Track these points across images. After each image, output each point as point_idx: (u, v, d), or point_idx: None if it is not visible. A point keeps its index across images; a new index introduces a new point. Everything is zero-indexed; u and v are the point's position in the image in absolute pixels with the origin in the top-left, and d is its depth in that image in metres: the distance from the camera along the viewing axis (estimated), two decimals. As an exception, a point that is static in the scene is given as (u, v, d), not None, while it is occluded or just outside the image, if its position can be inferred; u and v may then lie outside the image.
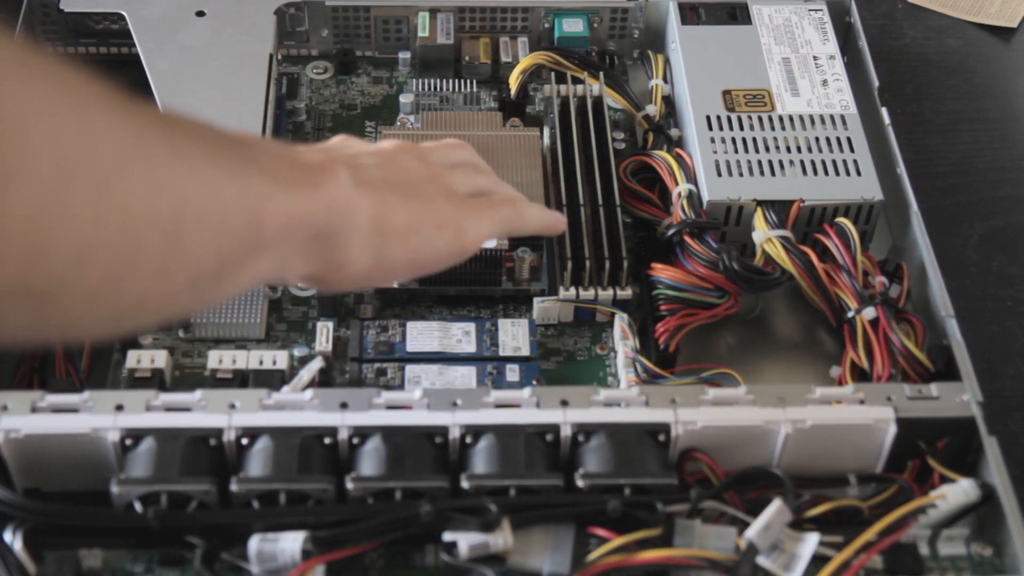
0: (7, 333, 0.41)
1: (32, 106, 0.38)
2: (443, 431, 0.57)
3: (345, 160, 0.54)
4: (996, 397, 0.68)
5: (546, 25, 0.85)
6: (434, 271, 0.59)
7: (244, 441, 0.57)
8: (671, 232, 0.69)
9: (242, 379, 0.65)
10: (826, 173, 0.72)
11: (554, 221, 0.65)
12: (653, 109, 0.79)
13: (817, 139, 0.74)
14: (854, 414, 0.59)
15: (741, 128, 0.74)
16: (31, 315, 0.40)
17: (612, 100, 0.80)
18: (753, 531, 0.54)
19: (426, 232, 0.56)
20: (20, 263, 0.38)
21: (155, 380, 0.65)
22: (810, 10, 0.82)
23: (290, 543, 0.54)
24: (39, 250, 0.38)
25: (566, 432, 0.57)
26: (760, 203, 0.70)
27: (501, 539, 0.54)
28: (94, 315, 0.42)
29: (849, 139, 0.74)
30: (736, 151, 0.73)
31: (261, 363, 0.65)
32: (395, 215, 0.54)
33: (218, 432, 0.56)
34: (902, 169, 0.73)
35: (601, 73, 0.79)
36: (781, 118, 0.75)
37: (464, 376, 0.66)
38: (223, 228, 0.45)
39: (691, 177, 0.72)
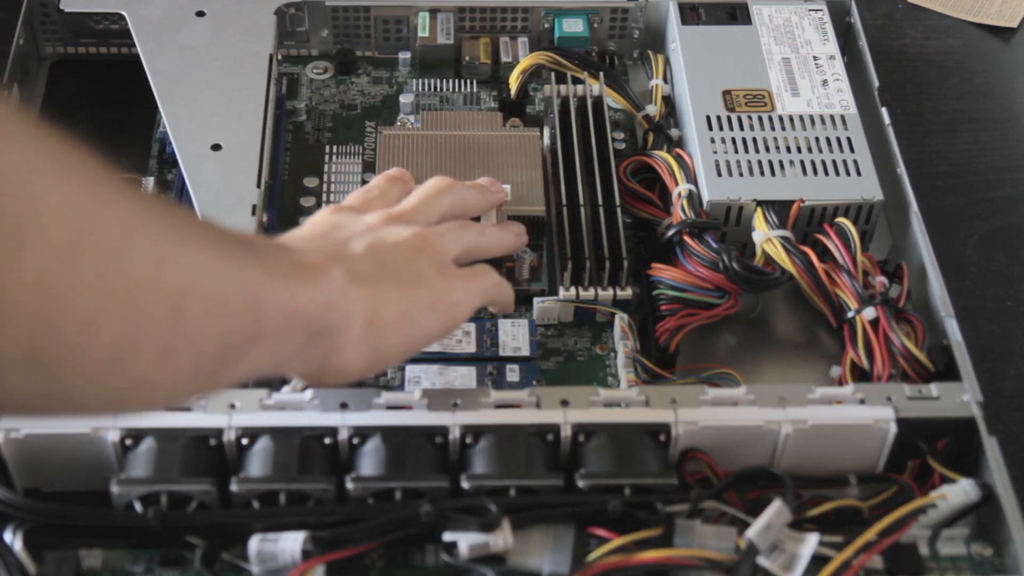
0: (9, 402, 0.41)
1: (44, 175, 0.38)
2: (443, 431, 0.57)
3: (338, 252, 0.55)
4: (996, 397, 0.68)
5: (546, 25, 0.85)
6: (427, 347, 0.61)
7: (244, 441, 0.57)
8: (671, 232, 0.69)
9: (242, 379, 0.64)
10: (826, 173, 0.72)
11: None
12: (653, 109, 0.79)
13: (817, 139, 0.74)
14: (854, 414, 0.59)
15: (741, 128, 0.74)
16: (35, 385, 0.40)
17: (612, 100, 0.80)
18: (753, 531, 0.54)
19: (419, 317, 0.56)
20: (28, 329, 0.38)
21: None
22: (810, 10, 0.82)
23: (290, 543, 0.54)
24: (47, 318, 0.38)
25: (566, 432, 0.57)
26: (760, 203, 0.70)
27: (501, 539, 0.54)
28: (97, 391, 0.43)
29: (849, 139, 0.74)
30: (736, 151, 0.73)
31: (261, 363, 0.65)
32: (389, 307, 0.55)
33: (218, 432, 0.56)
34: (902, 169, 0.73)
35: (601, 73, 0.79)
36: (781, 118, 0.75)
37: (464, 376, 0.66)
38: (225, 312, 0.46)
39: (691, 177, 0.72)
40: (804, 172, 0.72)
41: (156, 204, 0.45)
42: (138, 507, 0.55)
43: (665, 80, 0.81)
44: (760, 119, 0.75)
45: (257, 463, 0.56)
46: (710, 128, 0.74)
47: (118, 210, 0.41)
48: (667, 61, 0.82)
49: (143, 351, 0.42)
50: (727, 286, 0.68)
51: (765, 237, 0.69)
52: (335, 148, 0.79)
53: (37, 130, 0.40)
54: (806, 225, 0.71)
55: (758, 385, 0.60)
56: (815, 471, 0.59)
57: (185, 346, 0.44)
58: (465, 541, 0.54)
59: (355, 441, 0.57)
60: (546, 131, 0.78)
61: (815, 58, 0.79)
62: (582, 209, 0.71)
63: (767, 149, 0.73)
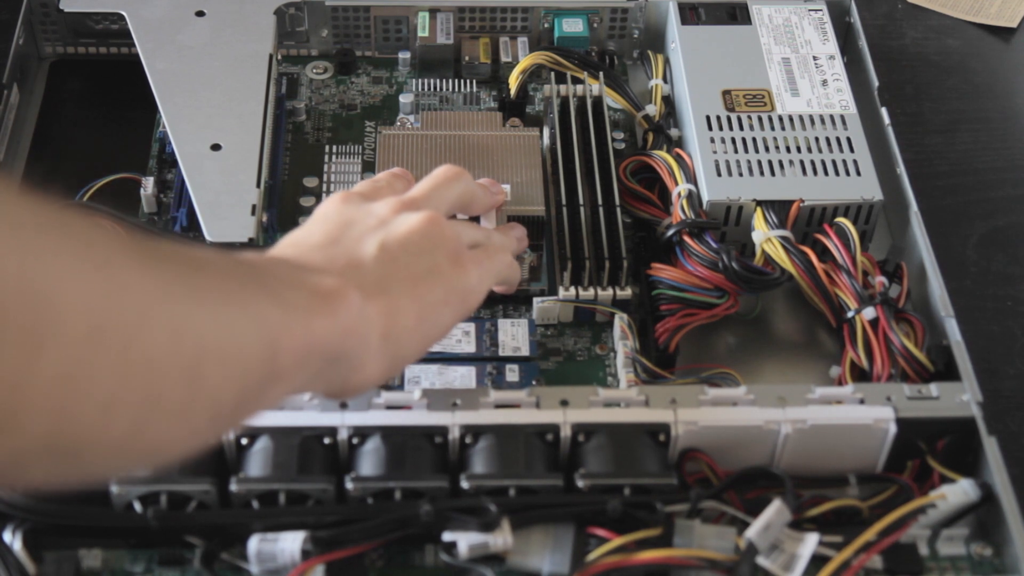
0: (29, 483, 0.42)
1: (60, 266, 0.38)
2: (443, 431, 0.57)
3: (350, 263, 0.54)
4: (996, 397, 0.68)
5: (546, 25, 0.85)
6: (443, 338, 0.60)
7: (244, 441, 0.57)
8: (671, 232, 0.69)
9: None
10: (826, 173, 0.72)
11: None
12: (653, 109, 0.79)
13: (817, 139, 0.74)
14: (854, 414, 0.59)
15: (741, 128, 0.74)
16: (55, 469, 0.40)
17: (612, 100, 0.80)
18: (753, 531, 0.54)
19: (434, 315, 0.56)
20: (47, 424, 0.38)
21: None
22: (810, 10, 0.82)
23: (290, 543, 0.54)
24: (66, 410, 0.38)
25: (566, 432, 0.57)
26: (760, 203, 0.70)
27: (501, 539, 0.54)
28: (116, 461, 0.43)
29: (849, 139, 0.74)
30: (736, 151, 0.73)
31: (261, 363, 0.64)
32: (405, 315, 0.54)
33: (218, 432, 0.56)
34: (902, 169, 0.73)
35: (601, 73, 0.79)
36: (781, 118, 0.75)
37: (464, 376, 0.66)
38: (242, 363, 0.45)
39: (691, 177, 0.72)
40: (804, 172, 0.72)
41: (171, 266, 0.43)
42: (138, 507, 0.55)
43: (665, 80, 0.81)
44: (760, 119, 0.75)
45: (257, 463, 0.56)
46: (710, 128, 0.74)
47: (133, 287, 0.40)
48: (667, 61, 0.82)
49: (161, 420, 0.42)
50: (727, 286, 0.68)
51: (765, 237, 0.69)
52: (335, 148, 0.79)
53: (39, 212, 0.39)
54: (806, 225, 0.71)
55: (758, 385, 0.60)
56: (815, 471, 0.59)
57: (203, 403, 0.43)
58: (465, 541, 0.54)
59: (355, 441, 0.57)
60: (546, 131, 0.78)
61: (815, 58, 0.79)
62: (582, 209, 0.71)
63: (767, 149, 0.73)
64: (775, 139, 0.74)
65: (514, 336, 0.68)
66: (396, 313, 0.53)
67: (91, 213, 0.68)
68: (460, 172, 0.64)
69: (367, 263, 0.55)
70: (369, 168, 0.77)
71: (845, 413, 0.59)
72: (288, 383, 0.49)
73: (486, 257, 0.60)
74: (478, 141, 0.75)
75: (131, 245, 0.42)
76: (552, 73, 0.81)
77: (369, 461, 0.56)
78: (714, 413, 0.58)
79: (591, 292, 0.69)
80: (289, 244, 0.56)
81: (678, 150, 0.75)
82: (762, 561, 0.55)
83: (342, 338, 0.51)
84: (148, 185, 0.74)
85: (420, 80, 0.83)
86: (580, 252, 0.69)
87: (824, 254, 0.69)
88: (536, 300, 0.70)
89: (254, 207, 0.70)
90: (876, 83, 0.79)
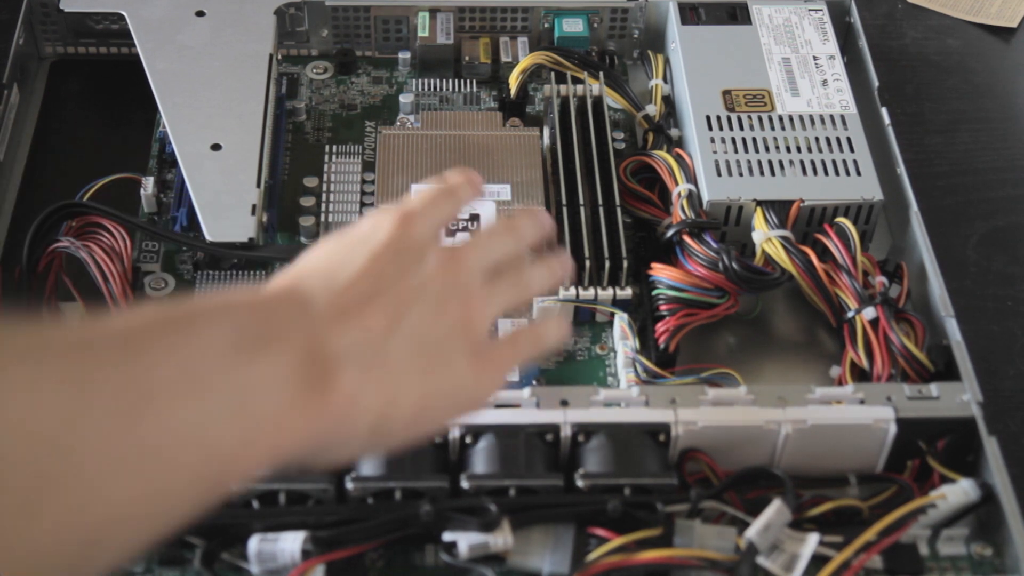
0: None
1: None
2: (443, 431, 0.57)
3: (373, 341, 0.46)
4: (996, 397, 0.68)
5: (546, 25, 0.85)
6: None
7: (244, 441, 0.57)
8: (671, 232, 0.69)
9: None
10: (826, 173, 0.72)
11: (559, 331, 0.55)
12: (653, 109, 0.79)
13: (817, 139, 0.74)
14: (854, 414, 0.59)
15: (741, 128, 0.74)
16: None
17: (612, 100, 0.80)
18: (753, 531, 0.54)
19: (435, 408, 0.48)
20: None
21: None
22: (810, 10, 0.82)
23: (290, 543, 0.54)
24: None
25: (566, 432, 0.57)
26: (760, 203, 0.70)
27: (501, 539, 0.54)
28: None
29: (849, 139, 0.74)
30: (736, 151, 0.73)
31: (261, 363, 0.64)
32: (407, 401, 0.47)
33: (218, 432, 0.56)
34: (902, 169, 0.73)
35: (601, 73, 0.79)
36: (781, 118, 0.75)
37: (464, 376, 0.66)
38: (206, 491, 0.40)
39: (691, 177, 0.72)
40: (804, 172, 0.72)
41: (106, 391, 0.37)
42: (138, 507, 0.55)
43: (665, 80, 0.81)
44: (760, 119, 0.75)
45: (257, 463, 0.56)
46: (710, 128, 0.74)
47: (47, 437, 0.34)
48: (667, 61, 0.82)
49: (99, 557, 0.37)
50: (727, 286, 0.68)
51: (765, 237, 0.69)
52: (335, 148, 0.78)
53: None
54: (806, 225, 0.71)
55: (758, 385, 0.60)
56: (815, 471, 0.59)
57: (153, 525, 0.39)
58: (465, 541, 0.54)
59: (355, 441, 0.57)
60: (546, 131, 0.78)
61: (815, 58, 0.79)
62: (582, 209, 0.71)
63: (767, 149, 0.73)
64: (775, 139, 0.74)
65: (514, 336, 0.68)
66: (398, 400, 0.46)
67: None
68: (514, 223, 0.54)
69: (392, 339, 0.47)
70: (369, 168, 0.77)
71: (845, 413, 0.59)
72: (247, 478, 0.43)
73: (503, 361, 0.52)
74: (478, 141, 0.75)
75: (64, 363, 0.36)
76: (552, 73, 0.81)
77: (369, 461, 0.56)
78: (714, 413, 0.58)
79: (591, 292, 0.69)
80: (319, 274, 0.47)
81: (678, 150, 0.75)
82: (762, 561, 0.55)
83: (328, 434, 0.44)
84: (148, 185, 0.74)
85: (420, 80, 0.83)
86: (580, 252, 0.69)
87: (824, 254, 0.69)
88: (536, 300, 0.69)
89: (254, 207, 0.70)
90: (876, 83, 0.79)
